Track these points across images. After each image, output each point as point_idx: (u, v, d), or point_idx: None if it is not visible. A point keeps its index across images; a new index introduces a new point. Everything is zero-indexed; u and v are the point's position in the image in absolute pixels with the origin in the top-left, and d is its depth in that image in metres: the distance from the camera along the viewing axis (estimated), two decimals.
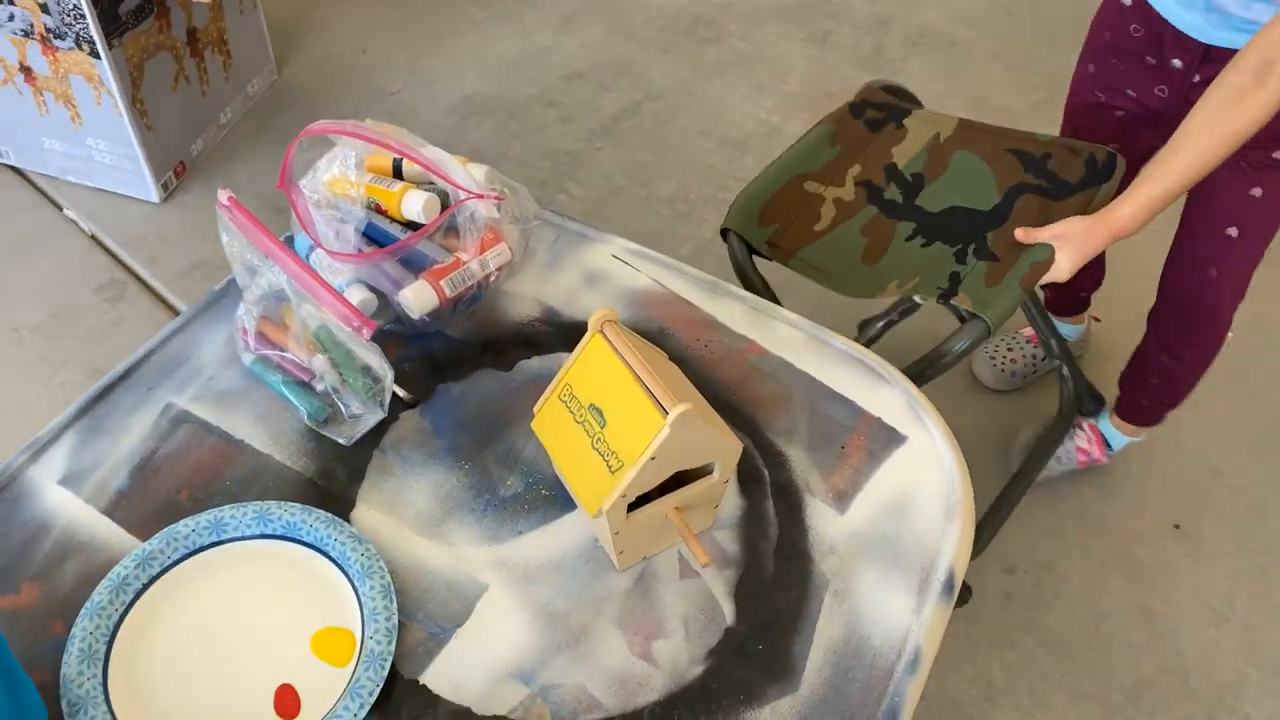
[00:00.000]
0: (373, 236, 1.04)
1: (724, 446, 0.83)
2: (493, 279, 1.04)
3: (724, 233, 1.33)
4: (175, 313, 1.96)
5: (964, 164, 1.37)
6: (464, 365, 1.03)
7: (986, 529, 1.55)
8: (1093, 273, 1.77)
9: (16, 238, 2.09)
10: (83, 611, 0.81)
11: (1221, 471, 1.75)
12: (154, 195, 2.14)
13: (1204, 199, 1.33)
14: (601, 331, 0.85)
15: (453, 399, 1.00)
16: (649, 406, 0.79)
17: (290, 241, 1.06)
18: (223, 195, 0.98)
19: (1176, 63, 1.28)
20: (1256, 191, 1.29)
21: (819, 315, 1.09)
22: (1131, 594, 1.61)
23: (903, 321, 1.75)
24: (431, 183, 1.05)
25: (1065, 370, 1.67)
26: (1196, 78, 1.27)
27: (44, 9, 1.87)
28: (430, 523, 0.90)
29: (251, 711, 0.78)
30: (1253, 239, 1.34)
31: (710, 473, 0.84)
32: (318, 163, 1.06)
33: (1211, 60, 1.23)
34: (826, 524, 0.90)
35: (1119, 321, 1.91)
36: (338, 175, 1.05)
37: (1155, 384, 1.57)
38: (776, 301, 1.27)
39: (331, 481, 0.93)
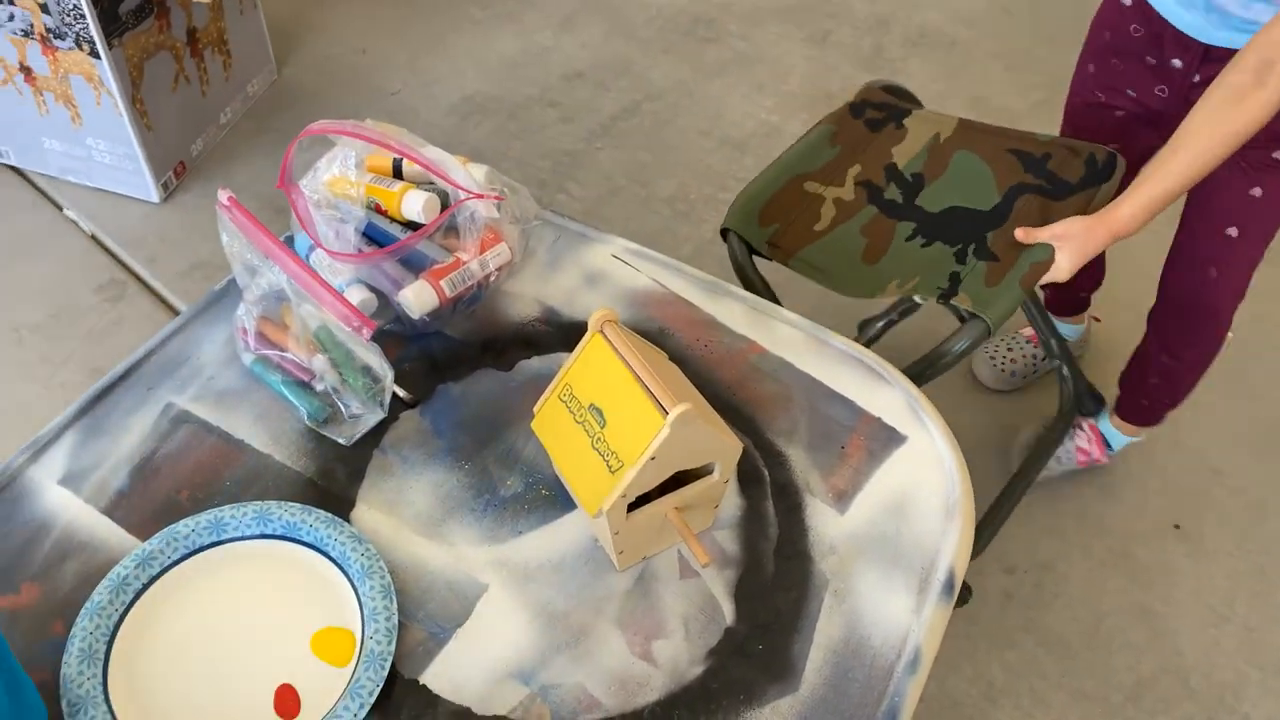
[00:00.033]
0: (373, 236, 1.04)
1: (724, 446, 0.83)
2: (493, 279, 1.04)
3: (724, 233, 1.33)
4: (175, 313, 1.96)
5: (964, 164, 1.37)
6: (464, 365, 1.03)
7: (986, 529, 1.55)
8: (1093, 273, 1.77)
9: (16, 238, 2.09)
10: (83, 611, 0.81)
11: (1221, 471, 1.75)
12: (154, 195, 2.14)
13: (1204, 199, 1.33)
14: (601, 331, 0.85)
15: (453, 399, 1.00)
16: (649, 406, 0.79)
17: (290, 241, 1.06)
18: (223, 195, 0.98)
19: (1176, 63, 1.28)
20: (1256, 191, 1.29)
21: (819, 315, 1.09)
22: (1131, 594, 1.61)
23: (903, 321, 1.75)
24: (431, 183, 1.05)
25: (1065, 370, 1.67)
26: (1196, 78, 1.27)
27: (44, 9, 1.87)
28: (430, 523, 0.90)
29: (251, 711, 0.78)
30: (1252, 239, 1.34)
31: (710, 473, 0.84)
32: (318, 163, 1.06)
33: (1211, 60, 1.23)
34: (826, 524, 0.90)
35: (1119, 321, 1.91)
36: (338, 175, 1.05)
37: (1155, 384, 1.57)
38: (776, 301, 1.27)
39: (331, 481, 0.93)
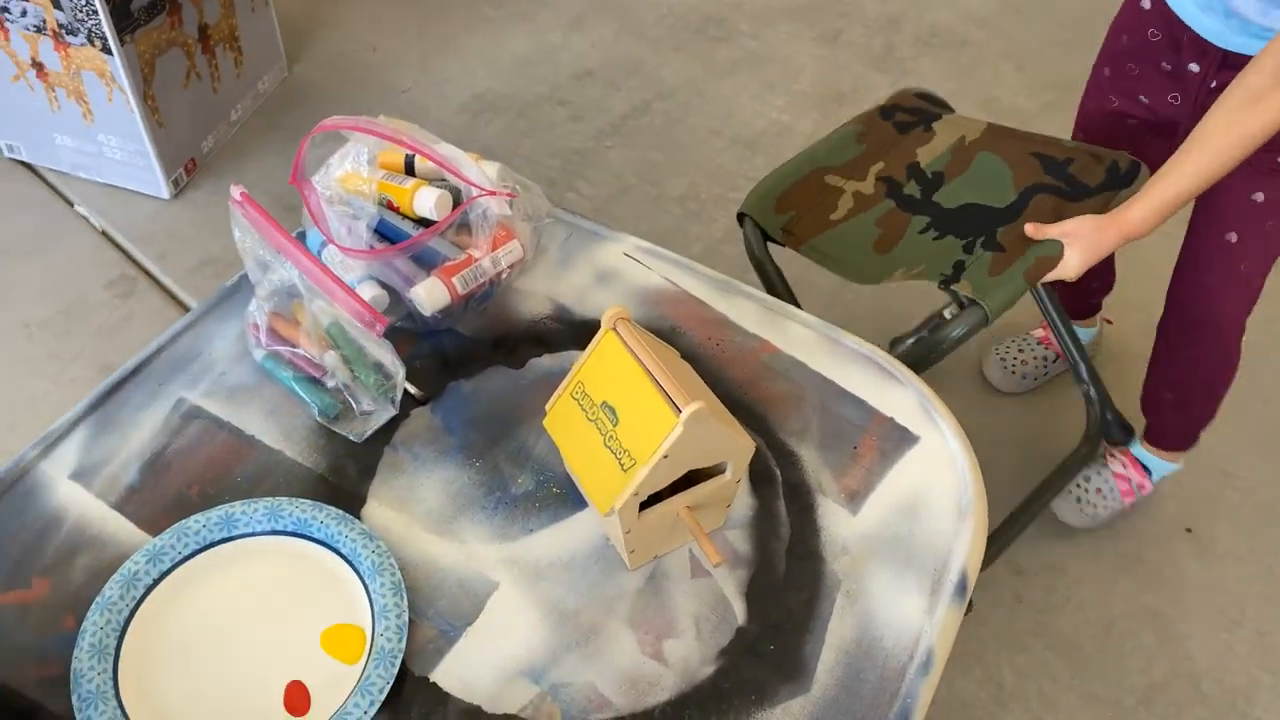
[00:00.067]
0: (385, 233, 1.04)
1: (736, 446, 0.82)
2: (504, 276, 1.04)
3: (740, 218, 1.33)
4: (185, 309, 1.97)
5: (985, 164, 1.37)
6: (475, 362, 1.03)
7: (996, 543, 1.52)
8: (1103, 276, 1.76)
9: (27, 233, 2.10)
10: (93, 606, 0.81)
11: (1233, 474, 1.74)
12: (164, 192, 2.14)
13: (1209, 203, 1.32)
14: (614, 329, 0.84)
15: (464, 396, 1.00)
16: (662, 404, 0.79)
17: (302, 237, 1.06)
18: (235, 191, 0.98)
19: (1194, 67, 1.27)
20: (1258, 196, 1.27)
21: (833, 311, 1.08)
22: (1142, 597, 1.60)
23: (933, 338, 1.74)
24: (444, 179, 1.04)
25: (1093, 392, 1.63)
26: (1213, 83, 1.26)
27: (56, 5, 1.87)
28: (441, 520, 0.90)
29: (261, 708, 0.78)
30: (1252, 246, 1.32)
31: (722, 472, 0.84)
32: (330, 159, 1.06)
33: (1229, 66, 1.22)
34: (838, 524, 0.90)
35: (1131, 323, 1.91)
36: (350, 171, 1.05)
37: (1170, 399, 1.55)
38: (788, 288, 1.27)
39: (342, 478, 0.93)
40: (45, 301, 1.97)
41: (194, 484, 0.92)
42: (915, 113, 1.47)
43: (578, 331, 1.05)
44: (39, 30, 1.93)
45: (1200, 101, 1.29)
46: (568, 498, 0.92)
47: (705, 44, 2.61)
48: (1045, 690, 1.50)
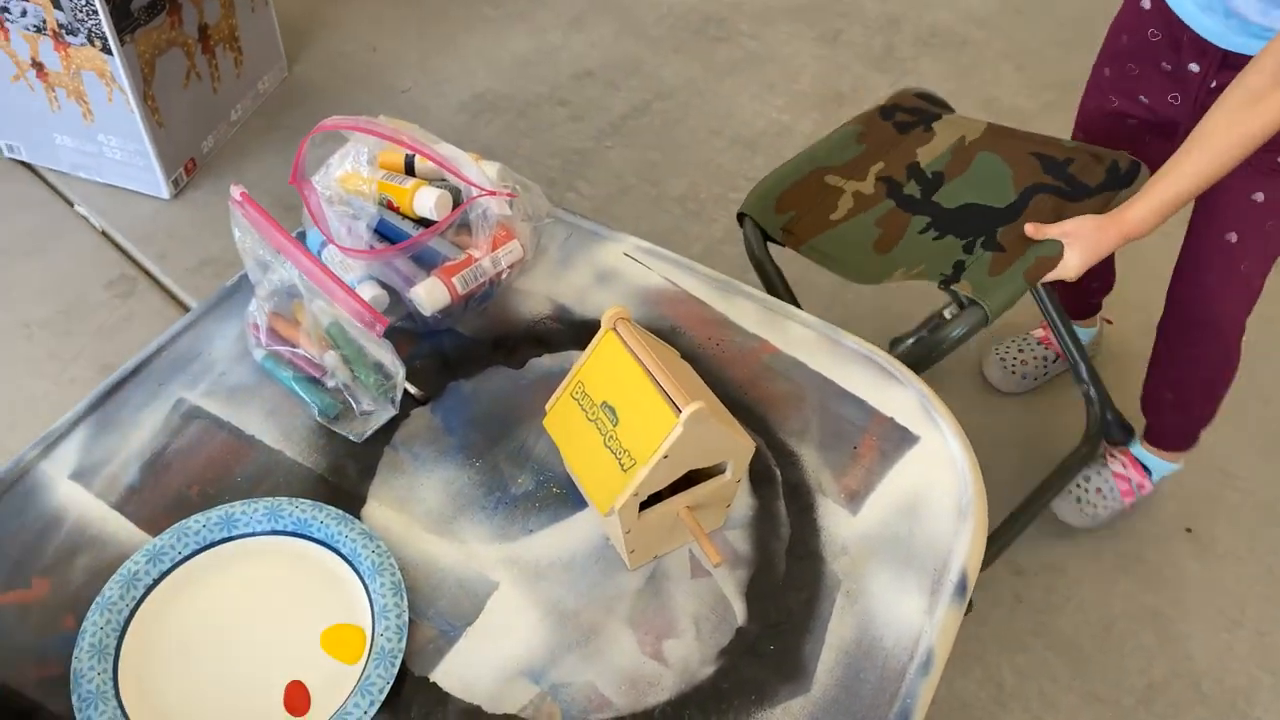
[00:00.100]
0: (385, 233, 1.04)
1: (737, 446, 0.82)
2: (504, 276, 1.04)
3: (740, 217, 1.33)
4: (185, 309, 1.97)
5: (985, 164, 1.37)
6: (475, 362, 1.03)
7: (995, 543, 1.52)
8: (1103, 276, 1.76)
9: (27, 233, 2.10)
10: (93, 606, 0.81)
11: (1232, 474, 1.74)
12: (164, 192, 2.14)
13: (1209, 203, 1.31)
14: (614, 329, 0.84)
15: (464, 396, 1.00)
16: (662, 404, 0.79)
17: (302, 237, 1.06)
18: (235, 191, 0.98)
19: (1194, 67, 1.27)
20: (1258, 196, 1.27)
21: (832, 312, 1.08)
22: (1142, 597, 1.60)
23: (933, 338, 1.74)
24: (444, 179, 1.04)
25: (1093, 392, 1.63)
26: (1213, 84, 1.26)
27: (56, 5, 1.87)
28: (441, 520, 0.90)
29: (261, 708, 0.78)
30: (1251, 246, 1.31)
31: (722, 472, 0.84)
32: (330, 159, 1.06)
33: (1229, 66, 1.22)
34: (838, 524, 0.90)
35: (1131, 323, 1.91)
36: (350, 171, 1.05)
37: (1170, 399, 1.55)
38: (787, 288, 1.27)
39: (342, 478, 0.93)
40: (45, 301, 1.97)
41: (194, 484, 0.92)
42: (915, 113, 1.47)
43: (578, 331, 1.05)
44: (39, 30, 1.93)
45: (1200, 101, 1.29)
46: (568, 498, 0.92)
47: (705, 44, 2.61)
48: (1045, 690, 1.50)
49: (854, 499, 0.92)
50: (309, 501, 0.88)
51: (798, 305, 1.29)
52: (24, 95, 2.06)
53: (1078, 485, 1.65)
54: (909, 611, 0.84)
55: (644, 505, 0.81)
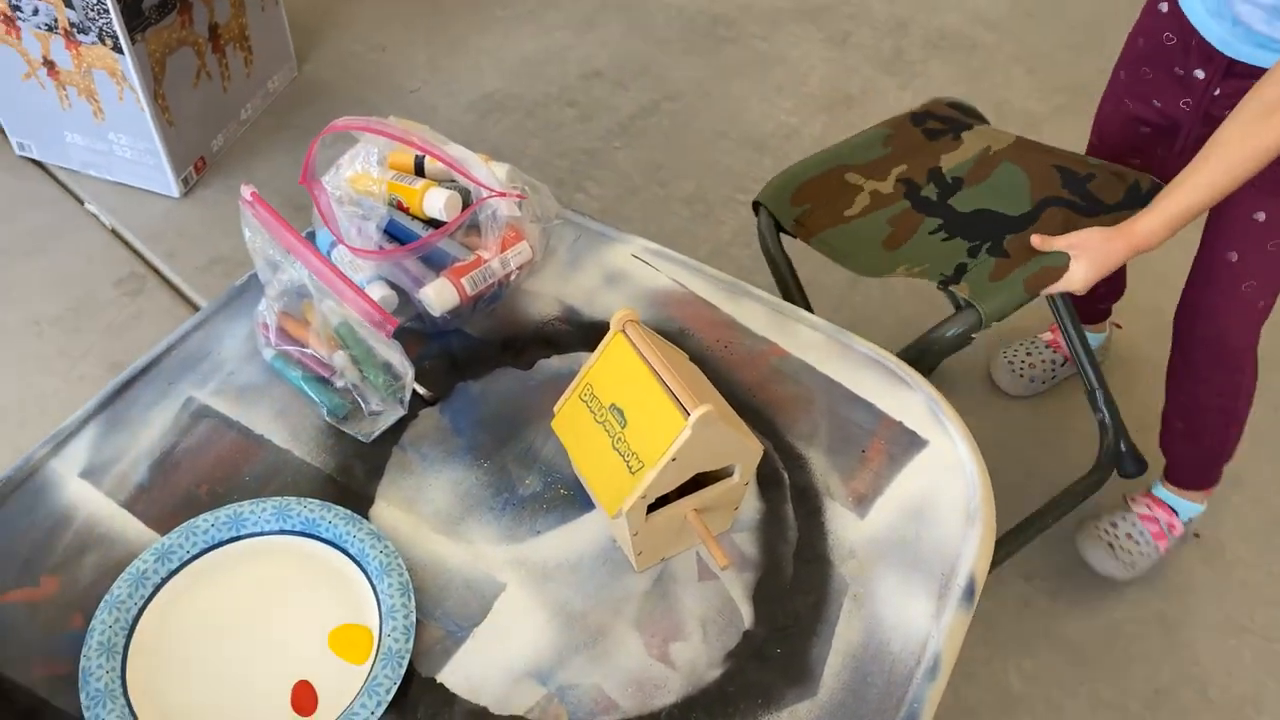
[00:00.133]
0: (394, 233, 1.04)
1: (745, 449, 0.82)
2: (513, 277, 1.04)
3: (755, 207, 1.33)
4: (194, 307, 1.97)
5: (1005, 173, 1.38)
6: (484, 363, 1.03)
7: (1001, 549, 1.48)
8: (1114, 284, 1.75)
9: (37, 231, 2.11)
10: (102, 604, 0.81)
11: (1242, 481, 1.74)
12: (174, 190, 2.15)
13: (1215, 219, 1.30)
14: (624, 331, 0.84)
15: (472, 397, 1.00)
16: (671, 407, 0.78)
17: (312, 237, 1.06)
18: (246, 191, 0.98)
19: (1199, 73, 1.27)
20: (1260, 216, 1.25)
21: (840, 314, 1.08)
22: (1150, 603, 1.60)
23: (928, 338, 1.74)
24: (453, 180, 1.05)
25: (1108, 420, 1.57)
26: (1217, 91, 1.25)
27: (68, 4, 1.88)
28: (449, 521, 0.90)
29: (269, 707, 0.78)
30: (1252, 265, 1.29)
31: (730, 475, 0.84)
32: (340, 159, 1.06)
33: (1233, 75, 1.22)
34: (846, 528, 0.90)
35: (1140, 328, 1.90)
36: (360, 172, 1.05)
37: (1181, 428, 1.52)
38: (798, 283, 1.27)
39: (350, 478, 0.93)
40: (55, 299, 1.98)
41: (203, 483, 0.92)
42: (947, 121, 1.48)
43: (586, 333, 1.05)
44: (50, 29, 1.94)
45: (1204, 108, 1.28)
46: (575, 499, 0.92)
47: (714, 45, 2.61)
48: (1052, 695, 1.50)
49: (862, 503, 0.92)
50: (317, 501, 0.88)
51: (806, 299, 1.30)
52: (35, 93, 2.07)
53: (1106, 531, 1.59)
54: (916, 616, 0.84)
55: (652, 507, 0.81)
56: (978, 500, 0.91)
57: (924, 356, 1.19)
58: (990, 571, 0.89)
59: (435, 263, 1.02)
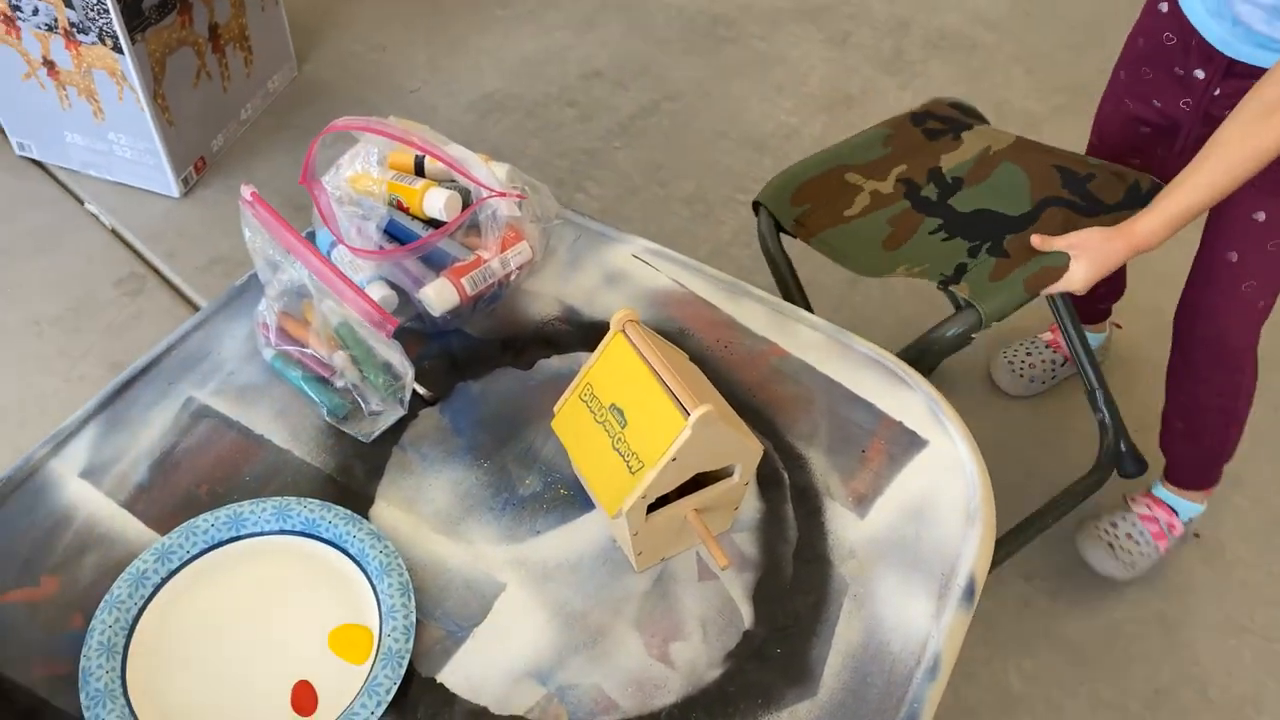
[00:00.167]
0: (394, 233, 1.04)
1: (745, 449, 0.82)
2: (513, 277, 1.04)
3: (755, 207, 1.33)
4: (194, 307, 1.97)
5: (1005, 173, 1.38)
6: (484, 363, 1.03)
7: (1001, 549, 1.48)
8: (1114, 284, 1.75)
9: (37, 231, 2.11)
10: (102, 605, 0.81)
11: (1242, 480, 1.74)
12: (174, 190, 2.15)
13: (1215, 219, 1.30)
14: (624, 331, 0.84)
15: (472, 397, 1.00)
16: (671, 407, 0.78)
17: (312, 237, 1.06)
18: (246, 191, 0.98)
19: (1199, 73, 1.27)
20: (1259, 216, 1.25)
21: (840, 314, 1.08)
22: (1150, 603, 1.60)
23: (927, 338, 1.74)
24: (453, 180, 1.05)
25: (1108, 420, 1.57)
26: (1217, 91, 1.25)
27: (68, 3, 1.88)
28: (449, 521, 0.90)
29: (269, 707, 0.78)
30: (1252, 265, 1.29)
31: (730, 475, 0.84)
32: (340, 159, 1.06)
33: (1233, 75, 1.22)
34: (846, 528, 0.90)
35: (1140, 328, 1.90)
36: (360, 172, 1.05)
37: (1180, 428, 1.52)
38: (798, 282, 1.27)
39: (350, 478, 0.93)
40: (55, 299, 1.98)
41: (203, 483, 0.92)
42: (947, 121, 1.48)
43: (586, 333, 1.05)
44: (50, 29, 1.94)
45: (1204, 108, 1.28)
46: (575, 499, 0.92)
47: (714, 45, 2.61)
48: (1052, 695, 1.50)
49: (862, 503, 0.92)
50: (317, 501, 0.88)
51: (806, 299, 1.30)
52: (35, 93, 2.07)
53: (1106, 531, 1.59)
54: (916, 616, 0.84)
55: (652, 508, 0.81)
56: (978, 500, 0.91)
57: (924, 356, 1.19)
58: (990, 571, 0.89)
59: (435, 263, 1.02)
